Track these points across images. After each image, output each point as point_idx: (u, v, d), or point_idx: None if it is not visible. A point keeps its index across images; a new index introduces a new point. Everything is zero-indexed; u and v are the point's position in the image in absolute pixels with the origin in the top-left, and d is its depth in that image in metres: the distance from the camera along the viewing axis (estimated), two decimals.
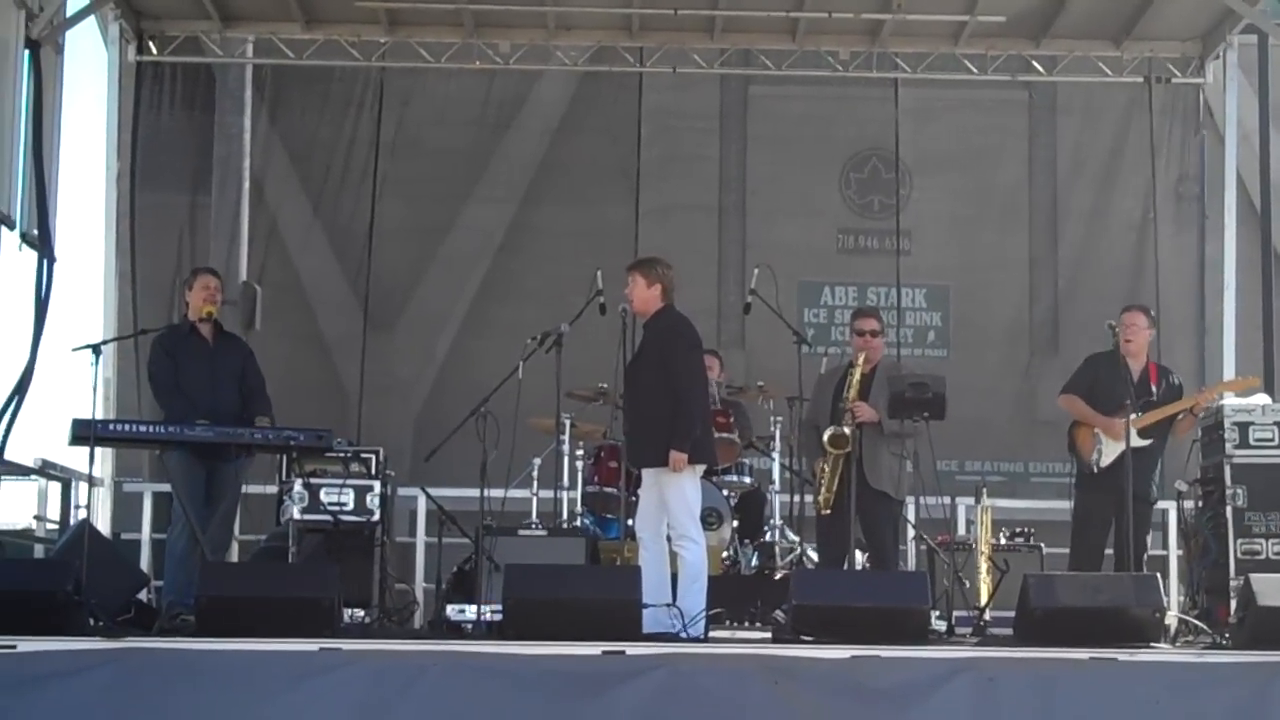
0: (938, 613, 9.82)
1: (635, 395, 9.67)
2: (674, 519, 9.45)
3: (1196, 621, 9.86)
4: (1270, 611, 8.64)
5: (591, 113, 14.64)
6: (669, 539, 9.50)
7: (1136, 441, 10.48)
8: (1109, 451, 10.61)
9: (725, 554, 11.16)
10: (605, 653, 7.89)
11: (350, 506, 10.29)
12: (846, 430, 10.31)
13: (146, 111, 13.85)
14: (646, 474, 9.59)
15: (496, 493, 10.51)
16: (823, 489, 10.41)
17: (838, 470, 10.35)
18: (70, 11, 12.49)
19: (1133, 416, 10.45)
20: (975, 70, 13.91)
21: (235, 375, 10.70)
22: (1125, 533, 10.34)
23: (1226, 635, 9.25)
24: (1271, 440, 10.60)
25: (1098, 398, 10.76)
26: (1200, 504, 10.89)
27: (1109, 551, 10.72)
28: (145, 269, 13.67)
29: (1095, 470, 10.68)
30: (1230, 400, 11.00)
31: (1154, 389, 10.81)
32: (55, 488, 12.50)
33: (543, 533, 10.65)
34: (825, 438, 10.36)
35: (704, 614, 9.23)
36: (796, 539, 11.35)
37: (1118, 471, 10.43)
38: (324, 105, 14.50)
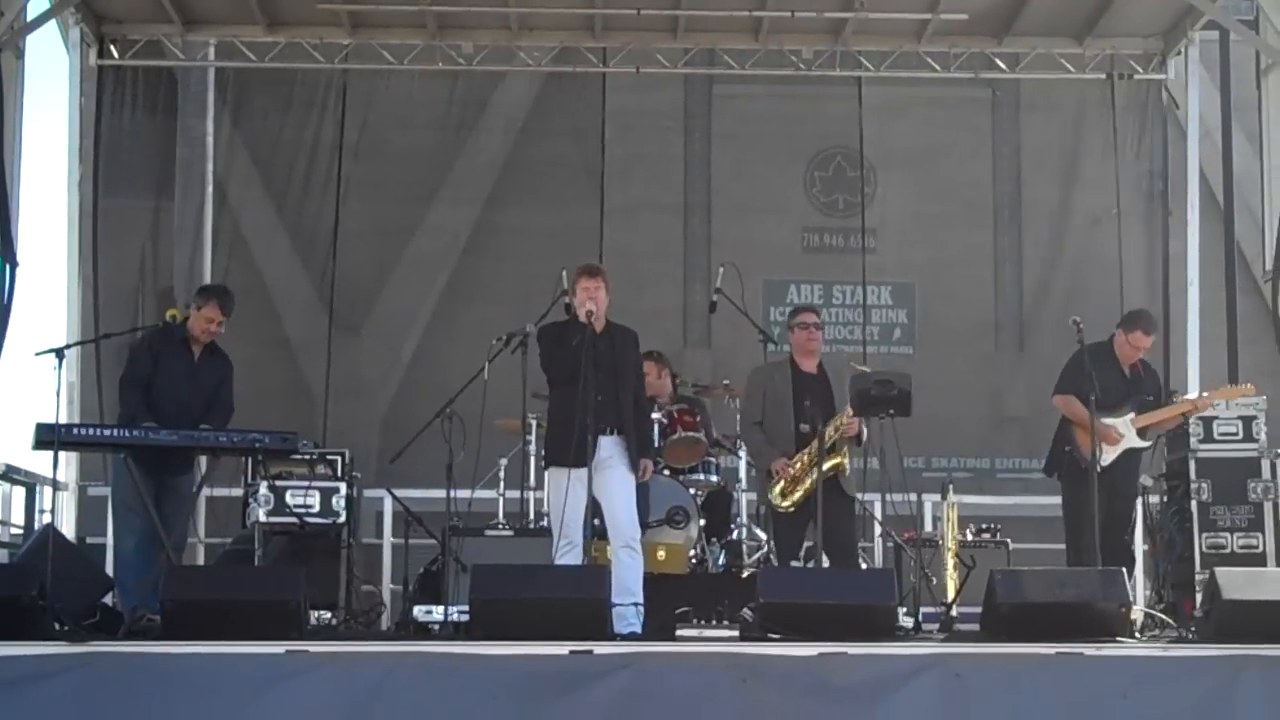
0: (905, 609, 9.81)
1: (622, 396, 9.63)
2: (630, 523, 9.49)
3: (1162, 615, 9.92)
4: (1235, 605, 8.68)
5: (555, 113, 14.59)
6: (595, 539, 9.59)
7: (1139, 443, 10.55)
8: (1109, 451, 10.60)
9: (692, 553, 11.15)
10: (573, 652, 7.86)
11: (316, 509, 10.25)
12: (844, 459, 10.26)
13: (108, 115, 13.79)
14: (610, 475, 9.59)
15: (463, 494, 10.52)
16: (798, 490, 10.29)
17: (811, 473, 10.19)
18: (31, 16, 12.45)
19: (1130, 416, 10.52)
20: (938, 68, 13.93)
21: (211, 390, 10.68)
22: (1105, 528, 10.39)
23: (1192, 629, 9.31)
24: (1235, 435, 10.68)
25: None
26: (1165, 499, 10.95)
27: None
28: (108, 273, 13.64)
29: (1099, 467, 10.64)
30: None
31: (1144, 385, 10.84)
32: (19, 492, 12.48)
33: (509, 533, 10.63)
34: (826, 467, 10.12)
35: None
36: (764, 537, 11.33)
37: (1114, 471, 10.53)
38: (287, 108, 14.41)
